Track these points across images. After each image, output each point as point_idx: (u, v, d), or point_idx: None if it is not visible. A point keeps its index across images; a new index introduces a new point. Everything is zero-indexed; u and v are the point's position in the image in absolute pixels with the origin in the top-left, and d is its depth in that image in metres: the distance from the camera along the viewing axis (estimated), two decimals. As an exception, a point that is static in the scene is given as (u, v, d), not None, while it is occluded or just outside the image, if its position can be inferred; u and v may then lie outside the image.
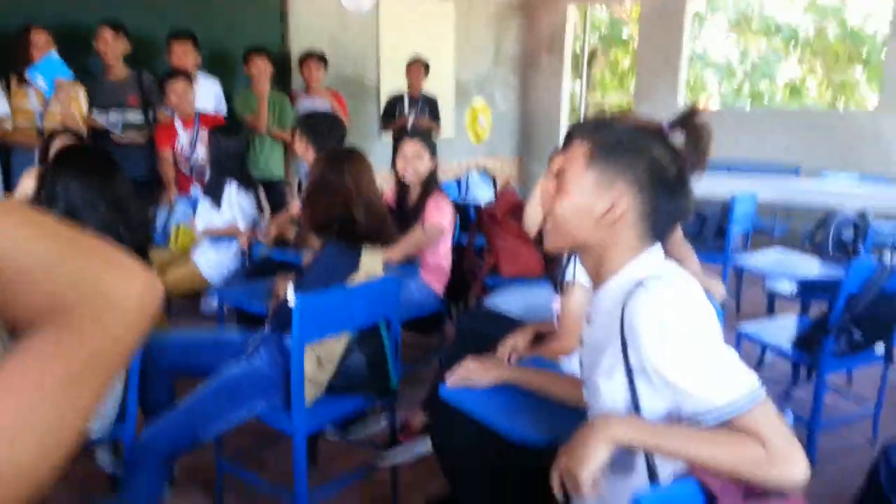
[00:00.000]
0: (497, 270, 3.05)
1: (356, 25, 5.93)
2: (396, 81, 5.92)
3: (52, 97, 3.68)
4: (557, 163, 1.25)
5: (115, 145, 3.96)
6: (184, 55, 4.23)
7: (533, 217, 2.70)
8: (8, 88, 3.70)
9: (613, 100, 10.53)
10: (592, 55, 8.94)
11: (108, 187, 1.95)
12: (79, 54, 3.93)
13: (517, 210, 3.02)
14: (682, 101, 7.01)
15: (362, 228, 2.06)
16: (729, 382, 1.05)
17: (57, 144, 2.96)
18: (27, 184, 2.92)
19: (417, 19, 6.51)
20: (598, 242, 1.21)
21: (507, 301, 2.58)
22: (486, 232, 3.15)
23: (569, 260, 1.96)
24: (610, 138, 1.20)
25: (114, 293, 0.49)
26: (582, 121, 1.26)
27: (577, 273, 1.94)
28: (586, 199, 1.19)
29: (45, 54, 3.62)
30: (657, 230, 1.21)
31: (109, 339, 0.48)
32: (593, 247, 1.22)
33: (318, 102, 4.88)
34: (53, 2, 4.04)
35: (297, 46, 5.29)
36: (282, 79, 5.29)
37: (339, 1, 5.67)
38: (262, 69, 4.44)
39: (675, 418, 1.14)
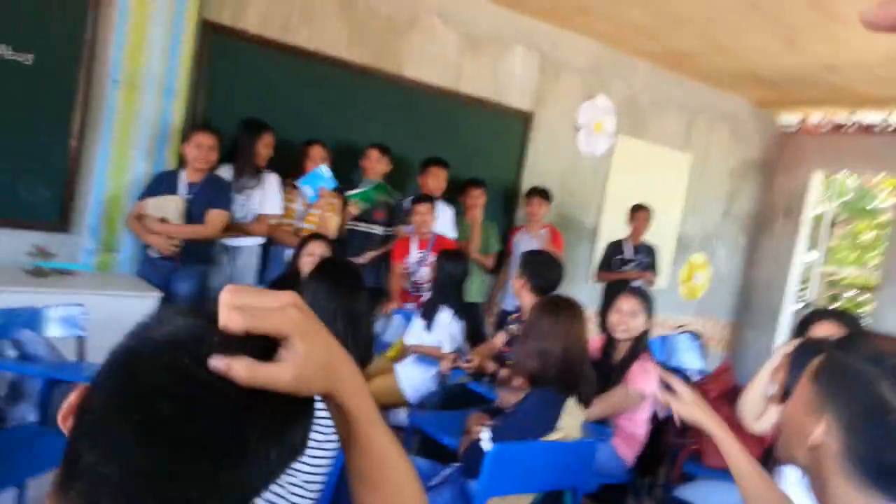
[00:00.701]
0: (698, 457, 2.83)
1: (588, 167, 6.11)
2: (617, 225, 5.93)
3: (314, 203, 4.19)
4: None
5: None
6: (435, 180, 4.65)
7: (750, 406, 2.48)
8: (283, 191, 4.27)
9: (851, 274, 9.63)
10: (832, 224, 8.30)
11: (350, 303, 2.11)
12: (347, 168, 4.45)
13: (732, 394, 2.80)
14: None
15: (570, 382, 2.05)
16: None
17: (309, 248, 3.31)
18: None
19: (650, 166, 6.49)
20: (814, 470, 1.09)
21: (706, 497, 2.37)
22: (692, 410, 2.95)
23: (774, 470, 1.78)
24: (838, 359, 1.09)
25: None
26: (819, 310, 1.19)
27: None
28: (800, 416, 1.11)
29: (317, 166, 4.15)
30: (876, 482, 1.00)
31: None
32: (812, 473, 1.10)
33: (535, 238, 5.04)
34: (335, 123, 4.64)
35: (528, 181, 5.56)
36: (507, 210, 5.56)
37: (575, 143, 5.92)
38: (477, 198, 4.80)
39: None
